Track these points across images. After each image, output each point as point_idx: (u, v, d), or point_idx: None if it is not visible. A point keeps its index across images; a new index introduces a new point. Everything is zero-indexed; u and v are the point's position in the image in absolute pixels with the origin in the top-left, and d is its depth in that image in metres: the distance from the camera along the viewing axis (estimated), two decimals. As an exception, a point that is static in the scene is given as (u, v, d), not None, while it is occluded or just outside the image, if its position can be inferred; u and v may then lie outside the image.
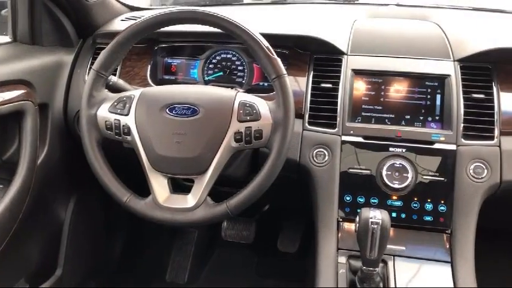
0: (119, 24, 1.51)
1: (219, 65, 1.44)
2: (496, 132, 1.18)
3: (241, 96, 1.07)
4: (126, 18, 1.56)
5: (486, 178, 1.15)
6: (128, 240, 1.93)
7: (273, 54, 1.04)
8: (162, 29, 1.11)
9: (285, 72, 1.04)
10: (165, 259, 1.95)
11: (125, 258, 1.91)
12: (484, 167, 1.16)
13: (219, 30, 1.06)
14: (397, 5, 1.70)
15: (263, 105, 1.06)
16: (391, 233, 1.15)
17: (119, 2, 1.65)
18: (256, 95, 1.11)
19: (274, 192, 1.57)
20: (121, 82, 1.24)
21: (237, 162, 1.21)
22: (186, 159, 1.04)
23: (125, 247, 1.92)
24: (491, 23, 1.58)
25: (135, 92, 1.10)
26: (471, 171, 1.16)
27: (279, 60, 1.04)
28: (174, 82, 1.45)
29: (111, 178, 1.08)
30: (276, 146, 1.02)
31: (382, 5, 1.70)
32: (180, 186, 1.13)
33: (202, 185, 1.04)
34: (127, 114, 1.07)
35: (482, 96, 1.21)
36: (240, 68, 1.43)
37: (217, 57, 1.44)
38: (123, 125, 1.07)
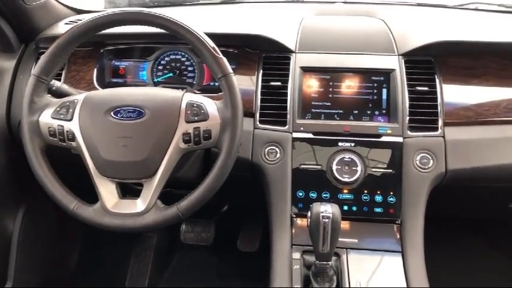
0: (63, 28, 1.47)
1: (168, 66, 1.42)
2: (440, 123, 1.22)
3: (188, 97, 1.06)
4: (70, 21, 1.52)
5: (432, 168, 1.19)
6: (83, 248, 1.88)
7: (218, 54, 1.03)
8: (107, 31, 1.08)
9: (231, 71, 1.03)
10: (124, 266, 1.91)
11: (82, 267, 1.85)
12: (429, 157, 1.19)
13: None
14: (344, 2, 1.73)
15: (211, 105, 1.05)
16: (344, 226, 1.18)
17: (63, 5, 1.60)
18: (205, 95, 1.10)
19: (231, 192, 1.56)
20: (65, 87, 1.20)
21: (188, 163, 1.20)
22: (134, 163, 1.02)
23: (81, 256, 1.87)
24: (434, 17, 1.63)
25: (79, 97, 1.07)
26: (417, 162, 1.19)
27: (224, 59, 1.03)
28: (123, 85, 1.42)
29: (57, 186, 1.05)
30: (225, 146, 1.02)
31: (329, 2, 1.72)
32: (130, 191, 1.11)
33: (151, 189, 1.02)
34: (70, 120, 1.04)
35: (425, 88, 1.24)
36: (189, 68, 1.42)
37: (166, 58, 1.42)
38: (67, 131, 1.04)
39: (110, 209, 1.03)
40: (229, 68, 1.03)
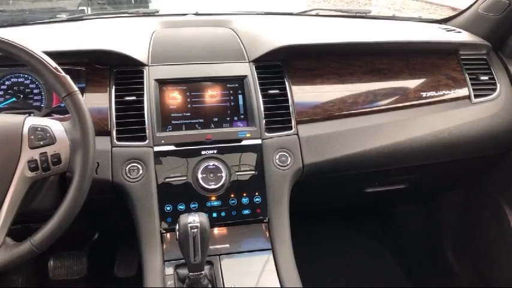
0: None
1: (10, 91, 1.30)
2: (293, 122, 1.29)
3: (31, 121, 0.98)
4: None
5: (290, 165, 1.25)
6: None
7: (60, 72, 0.97)
8: None
9: (76, 89, 0.98)
10: None
11: None
12: (287, 155, 1.26)
13: None
14: (196, 14, 1.76)
15: (57, 127, 0.99)
16: (215, 233, 1.19)
17: None
18: (50, 118, 1.03)
19: (98, 218, 1.47)
20: None
21: (41, 193, 1.10)
22: None
23: None
24: (281, 25, 1.73)
25: None
26: (277, 160, 1.25)
27: (67, 77, 0.98)
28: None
29: None
30: (78, 169, 0.96)
31: (181, 14, 1.73)
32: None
33: (-3, 226, 0.92)
34: None
35: (277, 91, 1.31)
36: (35, 91, 1.31)
37: (7, 82, 1.30)
38: None
39: None
40: (73, 86, 0.98)
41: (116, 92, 1.25)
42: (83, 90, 1.23)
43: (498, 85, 1.50)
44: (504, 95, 1.49)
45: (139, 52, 1.32)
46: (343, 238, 2.09)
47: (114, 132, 1.21)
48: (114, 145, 1.20)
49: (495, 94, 1.48)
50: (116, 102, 1.24)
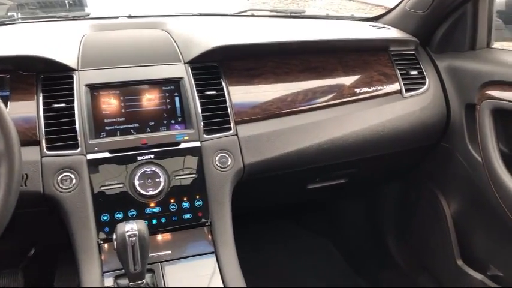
0: None
1: None
2: (232, 123, 1.29)
3: None
4: None
5: (231, 166, 1.24)
6: None
7: None
8: None
9: None
10: None
11: None
12: (227, 156, 1.25)
13: None
14: (128, 16, 1.71)
15: None
16: (155, 240, 1.16)
17: None
18: None
19: (33, 232, 1.40)
20: None
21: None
22: None
23: None
24: (216, 26, 1.72)
25: None
26: (217, 162, 1.23)
27: None
28: None
29: None
30: (2, 182, 0.90)
31: (112, 17, 1.68)
32: None
33: None
34: None
35: (214, 92, 1.30)
36: None
37: None
38: None
39: None
40: None
41: (43, 99, 1.19)
42: (7, 99, 1.17)
43: (427, 79, 1.57)
44: (433, 88, 1.56)
45: (67, 56, 1.26)
46: (288, 234, 2.11)
47: (43, 142, 1.15)
48: (44, 155, 1.14)
49: (424, 88, 1.55)
50: (44, 110, 1.18)
